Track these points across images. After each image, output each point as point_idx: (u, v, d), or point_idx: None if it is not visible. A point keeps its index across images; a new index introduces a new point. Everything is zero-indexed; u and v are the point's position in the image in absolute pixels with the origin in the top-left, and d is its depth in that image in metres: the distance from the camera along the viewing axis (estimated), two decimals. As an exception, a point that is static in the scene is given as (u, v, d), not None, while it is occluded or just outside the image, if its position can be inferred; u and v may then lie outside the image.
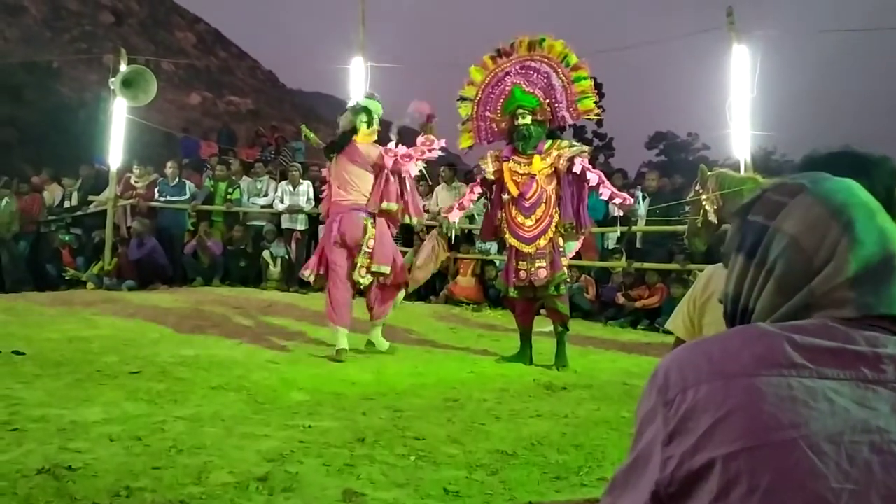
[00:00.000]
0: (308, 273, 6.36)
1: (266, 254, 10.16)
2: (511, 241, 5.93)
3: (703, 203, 5.86)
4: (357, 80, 9.49)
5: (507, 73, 6.13)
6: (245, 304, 8.44)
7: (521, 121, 5.93)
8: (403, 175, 6.19)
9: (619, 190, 6.29)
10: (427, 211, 8.21)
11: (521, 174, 5.94)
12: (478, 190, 6.27)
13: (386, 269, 6.10)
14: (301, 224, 10.38)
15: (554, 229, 5.90)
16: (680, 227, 7.17)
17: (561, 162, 5.90)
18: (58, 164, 12.39)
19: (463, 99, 6.31)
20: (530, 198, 5.90)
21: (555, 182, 5.94)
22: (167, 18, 31.59)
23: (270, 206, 10.53)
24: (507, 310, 8.98)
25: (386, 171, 6.08)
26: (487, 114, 6.22)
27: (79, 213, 11.10)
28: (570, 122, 6.22)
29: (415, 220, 6.51)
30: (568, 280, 6.23)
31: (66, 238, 10.76)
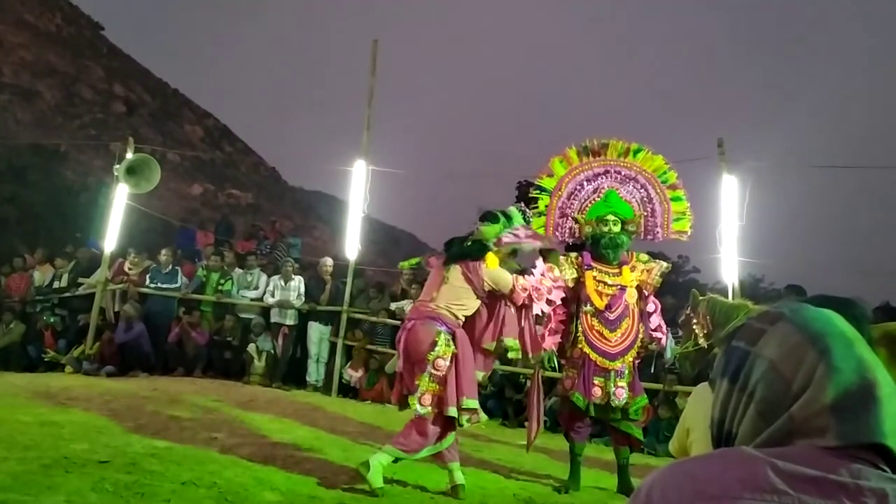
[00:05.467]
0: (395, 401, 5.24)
1: (252, 347, 10.03)
2: (592, 354, 5.40)
3: (693, 327, 5.90)
4: (358, 182, 9.81)
5: (598, 175, 5.80)
6: (225, 396, 8.27)
7: (612, 228, 5.55)
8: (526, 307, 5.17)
9: None
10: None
11: (610, 285, 5.50)
12: (562, 310, 5.58)
13: (475, 404, 4.82)
14: (290, 319, 10.31)
15: (639, 345, 5.50)
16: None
17: (653, 278, 5.57)
18: (53, 245, 12.45)
19: (540, 189, 5.86)
20: (616, 310, 5.47)
21: (636, 296, 5.57)
22: (178, 112, 32.56)
23: (261, 299, 10.51)
24: (491, 420, 8.88)
25: (509, 304, 5.11)
26: (568, 212, 5.79)
27: (66, 294, 11.03)
28: (661, 239, 5.84)
29: (543, 355, 5.40)
30: (647, 406, 5.70)
31: (51, 320, 10.64)
